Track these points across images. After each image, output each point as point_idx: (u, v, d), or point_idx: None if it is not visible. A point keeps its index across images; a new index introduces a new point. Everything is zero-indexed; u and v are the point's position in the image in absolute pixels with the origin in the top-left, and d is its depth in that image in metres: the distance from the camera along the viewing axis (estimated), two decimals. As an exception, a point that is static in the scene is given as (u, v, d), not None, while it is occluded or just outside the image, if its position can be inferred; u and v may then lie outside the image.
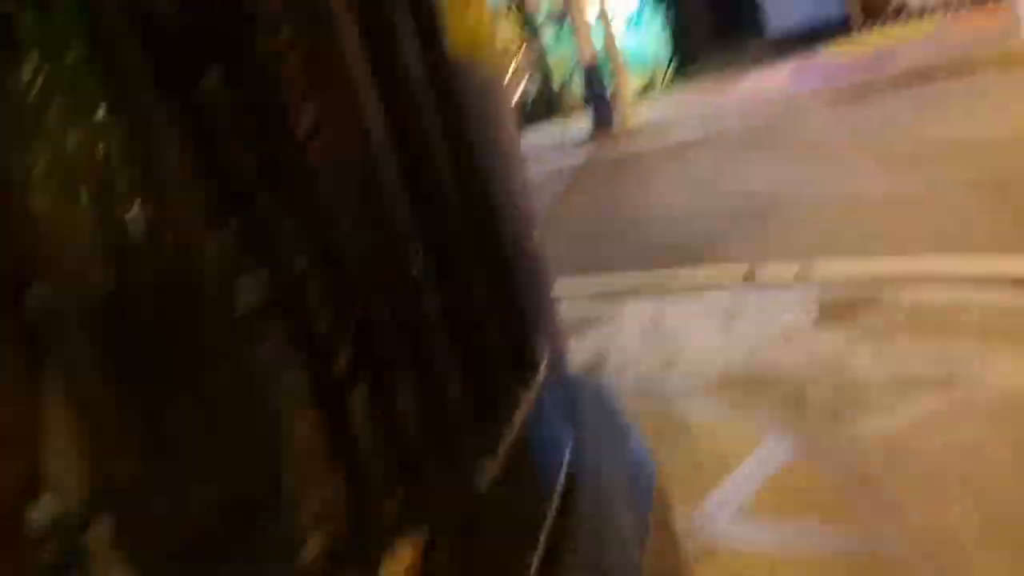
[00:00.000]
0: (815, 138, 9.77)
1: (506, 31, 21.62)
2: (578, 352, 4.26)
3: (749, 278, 4.89)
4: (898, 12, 16.67)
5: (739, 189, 7.93)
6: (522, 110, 19.91)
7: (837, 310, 3.90)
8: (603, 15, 15.20)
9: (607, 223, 8.14)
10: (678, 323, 4.29)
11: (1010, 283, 3.72)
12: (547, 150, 15.67)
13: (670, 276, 5.41)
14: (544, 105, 17.63)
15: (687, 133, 13.30)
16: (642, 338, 4.20)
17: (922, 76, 11.54)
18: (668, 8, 19.19)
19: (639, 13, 19.63)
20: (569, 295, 5.56)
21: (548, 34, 20.79)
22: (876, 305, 3.83)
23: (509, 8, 20.98)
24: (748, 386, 3.37)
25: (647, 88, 19.60)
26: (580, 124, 16.01)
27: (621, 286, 5.48)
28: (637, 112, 15.58)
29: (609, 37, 15.35)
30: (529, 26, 20.30)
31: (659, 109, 16.27)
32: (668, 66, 19.47)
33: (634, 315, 4.63)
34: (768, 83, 15.25)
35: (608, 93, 15.77)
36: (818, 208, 6.38)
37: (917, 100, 10.14)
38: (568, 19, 16.01)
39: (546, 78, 19.44)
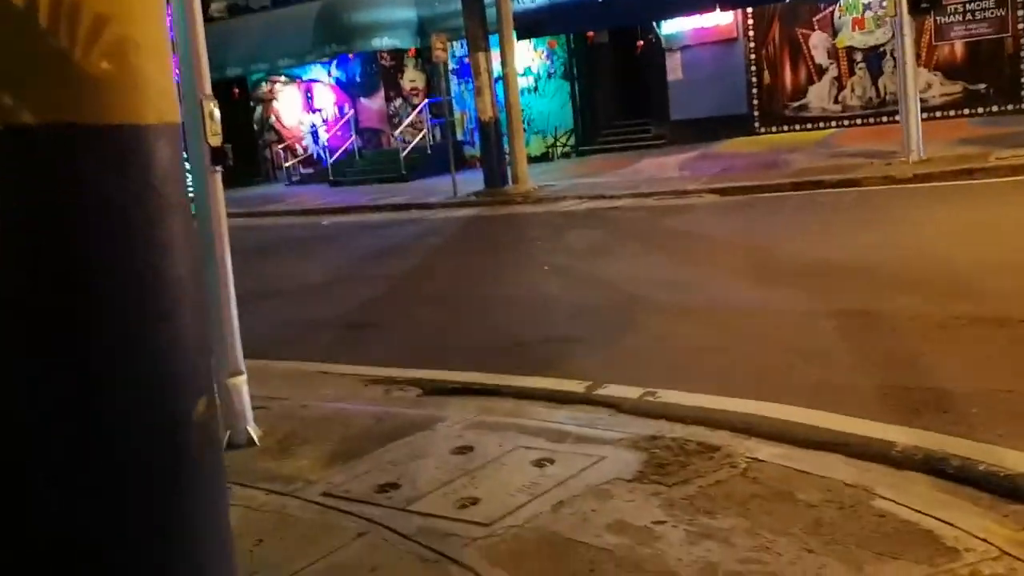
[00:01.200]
0: (695, 233, 9.49)
1: (413, 76, 21.17)
2: (379, 466, 3.66)
3: (587, 398, 4.38)
4: (795, 117, 16.90)
5: (607, 279, 7.50)
6: (415, 161, 19.39)
7: (666, 462, 3.39)
8: (507, 75, 14.86)
9: (464, 300, 7.60)
10: (493, 448, 3.73)
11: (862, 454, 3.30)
12: (434, 201, 15.14)
13: (504, 381, 4.88)
14: (443, 155, 17.15)
15: (574, 205, 12.98)
16: (448, 464, 3.61)
17: (810, 183, 11.50)
18: (576, 80, 19.07)
19: (546, 78, 19.45)
20: (396, 388, 4.98)
21: (455, 86, 20.41)
22: (708, 463, 3.34)
23: (418, 54, 20.56)
24: (537, 557, 2.80)
25: (545, 155, 19.37)
26: (473, 179, 15.57)
27: (451, 384, 4.93)
28: (530, 176, 15.23)
29: (511, 96, 15.00)
30: (436, 76, 19.88)
31: (553, 177, 15.97)
32: (569, 137, 19.31)
33: (451, 427, 4.05)
34: (663, 168, 15.14)
35: (504, 153, 15.42)
36: (675, 320, 5.98)
37: (800, 208, 10.01)
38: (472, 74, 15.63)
39: (450, 129, 19.01)
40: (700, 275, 7.39)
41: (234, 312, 4.05)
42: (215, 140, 3.90)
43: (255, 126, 23.81)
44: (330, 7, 20.03)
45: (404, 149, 19.63)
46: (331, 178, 20.52)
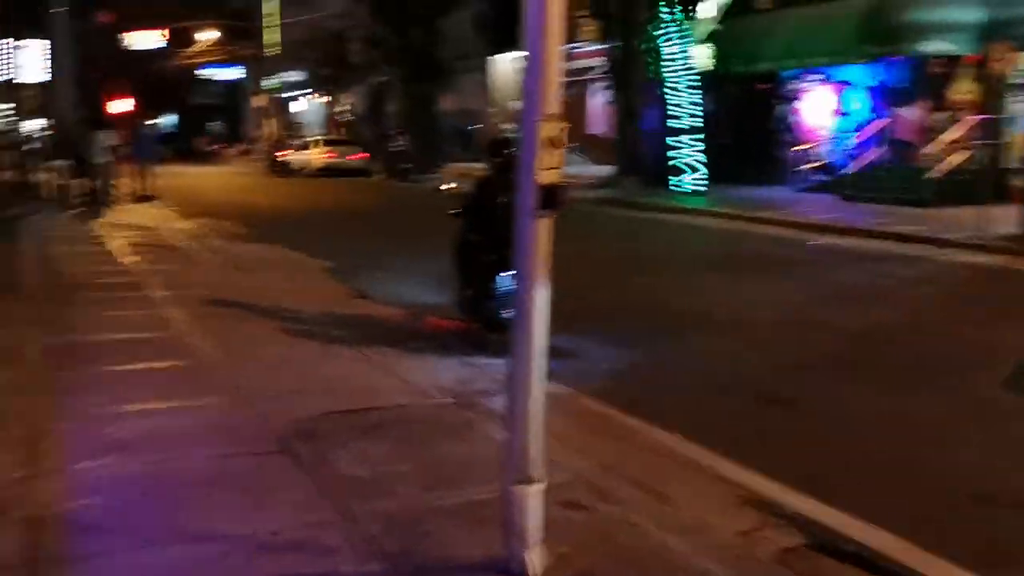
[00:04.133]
0: None
1: (965, 88, 18.11)
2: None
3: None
4: None
5: None
6: (946, 186, 16.55)
7: None
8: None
9: (924, 394, 5.76)
10: None
11: None
12: (951, 238, 12.62)
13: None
14: (978, 184, 14.35)
15: None
16: None
17: None
18: None
19: None
20: (771, 522, 3.66)
21: (1017, 103, 17.03)
22: None
23: (977, 62, 17.46)
24: None
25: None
26: (1007, 220, 12.59)
27: (852, 546, 3.49)
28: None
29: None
30: (992, 88, 16.71)
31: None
32: None
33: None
34: None
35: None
36: None
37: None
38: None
39: (993, 154, 15.92)
40: None
41: (537, 396, 3.08)
42: (549, 176, 2.94)
43: (775, 125, 22.50)
44: (881, 4, 17.88)
45: (935, 170, 16.92)
46: (844, 191, 18.53)
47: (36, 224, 14.98)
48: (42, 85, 29.06)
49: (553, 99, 2.92)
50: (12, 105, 27.22)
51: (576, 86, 27.15)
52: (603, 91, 25.31)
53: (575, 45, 26.11)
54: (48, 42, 23.11)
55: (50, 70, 22.46)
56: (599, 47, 24.28)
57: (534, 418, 3.08)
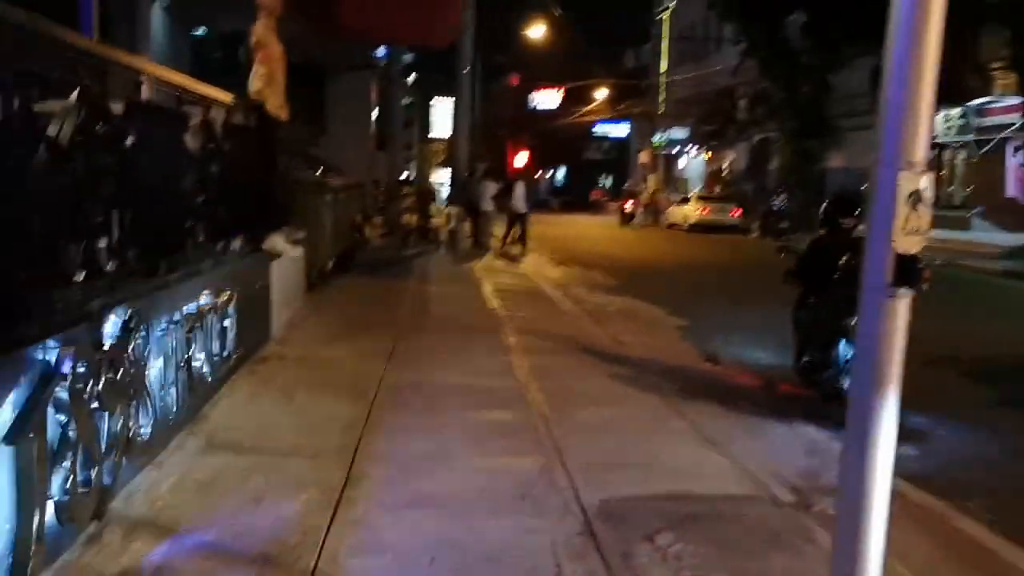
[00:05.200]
0: None
1: None
2: None
3: None
4: None
5: None
6: None
7: None
8: None
9: None
10: None
11: None
12: None
13: None
14: None
15: None
16: None
17: None
18: None
19: None
20: None
21: None
22: None
23: None
24: None
25: None
26: None
27: None
28: None
29: None
30: None
31: None
32: None
33: None
34: None
35: None
36: None
37: None
38: None
39: None
40: None
41: (876, 508, 2.35)
42: (909, 243, 2.23)
43: None
44: None
45: None
46: None
47: (424, 264, 16.20)
48: (449, 139, 32.08)
49: (921, 144, 2.22)
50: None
51: (988, 144, 24.30)
52: (1022, 150, 22.38)
53: (988, 100, 23.42)
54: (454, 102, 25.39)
55: (452, 126, 24.63)
56: (1017, 101, 21.50)
57: (870, 539, 2.35)
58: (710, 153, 43.07)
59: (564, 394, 6.43)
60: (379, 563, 3.53)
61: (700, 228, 30.89)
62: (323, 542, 3.66)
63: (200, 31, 15.60)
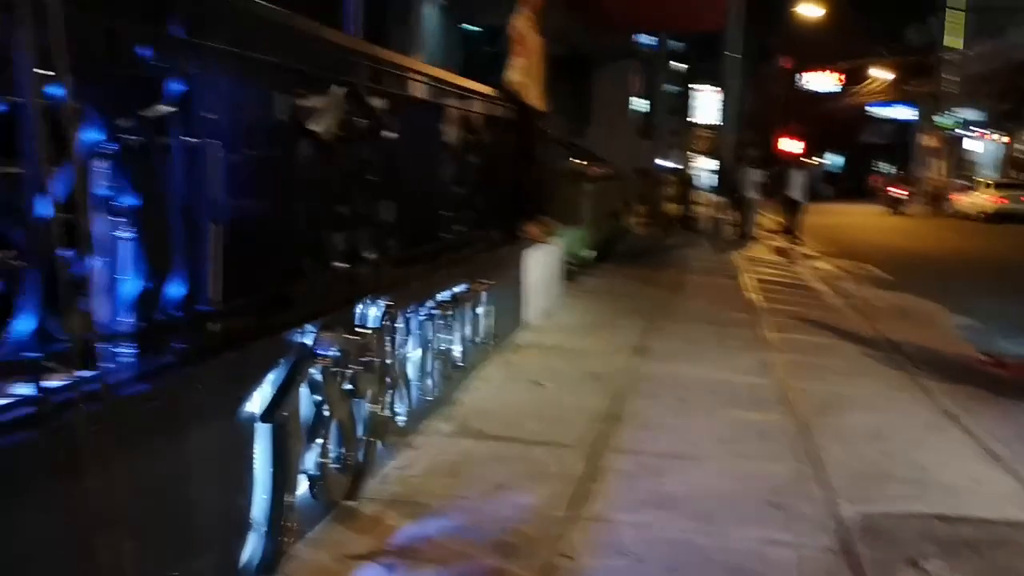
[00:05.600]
0: None
1: None
2: None
3: None
4: None
5: None
6: None
7: None
8: None
9: None
10: None
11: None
12: None
13: None
14: None
15: None
16: None
17: None
18: None
19: None
20: None
21: None
22: None
23: None
24: None
25: None
26: None
27: None
28: None
29: None
30: None
31: None
32: None
33: None
34: None
35: None
36: None
37: None
38: None
39: None
40: None
41: None
42: None
43: None
44: None
45: None
46: None
47: (685, 254, 15.89)
48: (716, 126, 31.29)
49: None
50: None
51: None
52: None
53: None
54: (720, 87, 24.70)
55: (720, 112, 23.97)
56: None
57: None
58: (1006, 136, 38.91)
59: (825, 396, 6.01)
60: (617, 566, 3.44)
61: (998, 218, 28.11)
62: (561, 537, 3.62)
63: (472, 27, 16.22)
